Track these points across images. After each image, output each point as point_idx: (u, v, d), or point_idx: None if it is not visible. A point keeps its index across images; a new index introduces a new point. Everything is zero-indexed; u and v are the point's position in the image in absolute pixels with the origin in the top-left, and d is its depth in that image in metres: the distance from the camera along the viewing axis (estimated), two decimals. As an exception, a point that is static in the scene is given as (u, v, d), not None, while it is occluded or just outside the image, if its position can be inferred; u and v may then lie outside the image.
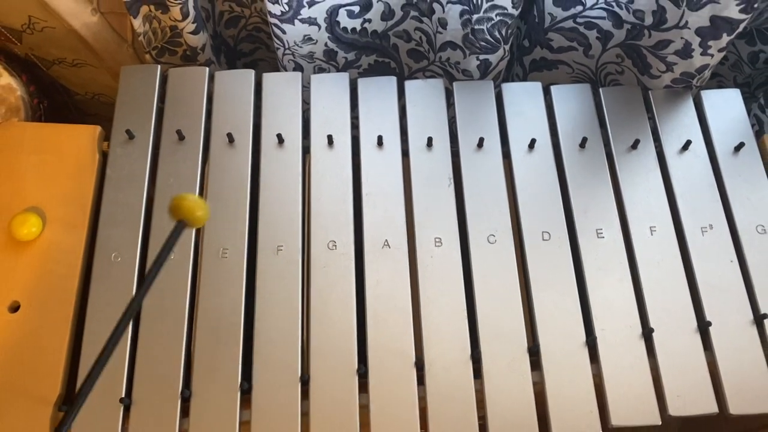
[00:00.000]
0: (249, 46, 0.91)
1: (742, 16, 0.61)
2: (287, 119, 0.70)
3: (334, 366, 0.59)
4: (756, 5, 0.59)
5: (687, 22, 0.63)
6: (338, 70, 0.82)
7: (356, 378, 0.59)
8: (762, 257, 0.63)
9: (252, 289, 0.62)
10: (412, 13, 0.75)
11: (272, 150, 0.69)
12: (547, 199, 0.66)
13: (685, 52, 0.66)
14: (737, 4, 0.59)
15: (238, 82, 0.72)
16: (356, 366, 0.59)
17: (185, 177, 0.67)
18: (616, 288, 0.62)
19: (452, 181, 0.67)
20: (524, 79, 0.84)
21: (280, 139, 0.69)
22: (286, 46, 0.76)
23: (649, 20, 0.67)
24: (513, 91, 0.72)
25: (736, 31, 0.63)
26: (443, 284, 0.62)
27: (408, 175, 0.68)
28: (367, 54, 0.80)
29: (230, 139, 0.68)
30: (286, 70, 0.80)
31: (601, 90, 0.71)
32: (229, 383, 0.58)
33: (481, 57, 0.74)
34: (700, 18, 0.62)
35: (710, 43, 0.64)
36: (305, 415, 0.58)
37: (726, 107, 0.71)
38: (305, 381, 0.58)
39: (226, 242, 0.64)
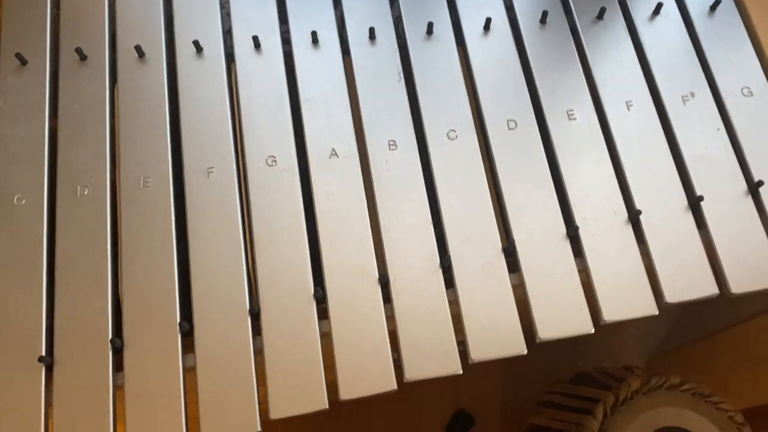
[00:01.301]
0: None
1: None
2: (204, 24, 0.61)
3: (287, 293, 0.51)
4: None
5: None
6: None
7: (314, 304, 0.51)
8: (750, 121, 0.57)
9: (183, 219, 0.54)
10: None
11: (190, 61, 0.59)
12: (509, 84, 0.59)
13: None
14: None
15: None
16: (312, 290, 0.51)
17: (91, 102, 0.58)
18: (595, 172, 0.55)
19: (402, 75, 0.59)
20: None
21: (198, 48, 0.59)
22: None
23: None
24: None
25: None
26: (402, 190, 0.55)
27: (351, 74, 0.59)
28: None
29: (139, 53, 0.59)
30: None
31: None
32: (167, 326, 0.50)
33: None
34: None
35: None
36: (259, 352, 0.50)
37: (697, -37, 0.63)
38: (255, 314, 0.51)
39: (147, 170, 0.55)
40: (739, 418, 0.73)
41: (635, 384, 0.72)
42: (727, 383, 1.01)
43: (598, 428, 0.72)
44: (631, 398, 0.72)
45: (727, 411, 0.73)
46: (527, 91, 0.58)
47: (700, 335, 0.99)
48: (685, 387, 0.73)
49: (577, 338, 0.51)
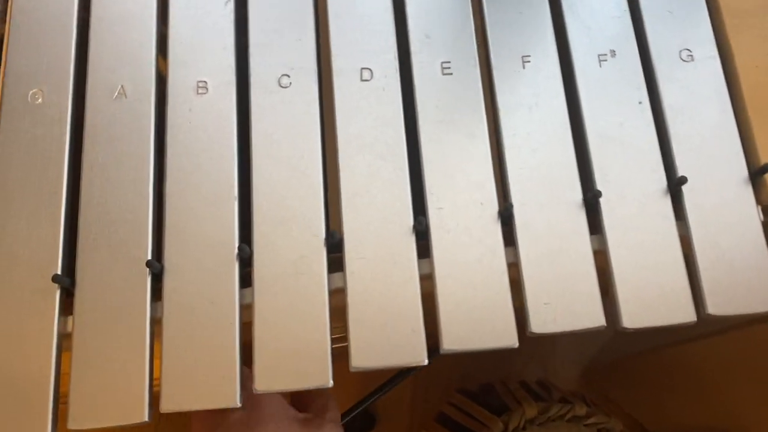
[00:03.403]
0: None
1: None
2: None
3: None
4: None
5: None
6: None
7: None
8: (685, 95, 0.42)
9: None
10: None
11: None
12: (373, 21, 0.44)
13: None
14: None
15: None
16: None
17: None
18: (467, 146, 0.41)
19: (234, -2, 0.44)
20: None
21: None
22: None
23: None
24: None
25: None
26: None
27: None
28: None
29: None
30: None
31: None
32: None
33: None
34: None
35: None
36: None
37: None
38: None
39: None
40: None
41: (531, 412, 0.59)
42: (664, 403, 0.89)
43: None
44: (523, 429, 0.59)
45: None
46: (394, 34, 0.43)
47: (642, 348, 0.86)
48: (591, 421, 0.60)
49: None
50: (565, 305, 0.37)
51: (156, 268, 0.38)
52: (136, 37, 0.43)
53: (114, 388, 0.36)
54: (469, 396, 0.71)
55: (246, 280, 0.39)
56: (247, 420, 0.41)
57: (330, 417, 0.44)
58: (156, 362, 0.37)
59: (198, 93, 0.42)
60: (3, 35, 0.43)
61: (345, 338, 0.37)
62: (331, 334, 0.37)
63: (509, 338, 0.37)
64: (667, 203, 0.40)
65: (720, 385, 0.74)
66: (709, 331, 0.69)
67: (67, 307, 0.38)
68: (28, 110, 0.41)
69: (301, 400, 0.46)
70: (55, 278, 0.37)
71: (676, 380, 0.81)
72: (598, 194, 0.39)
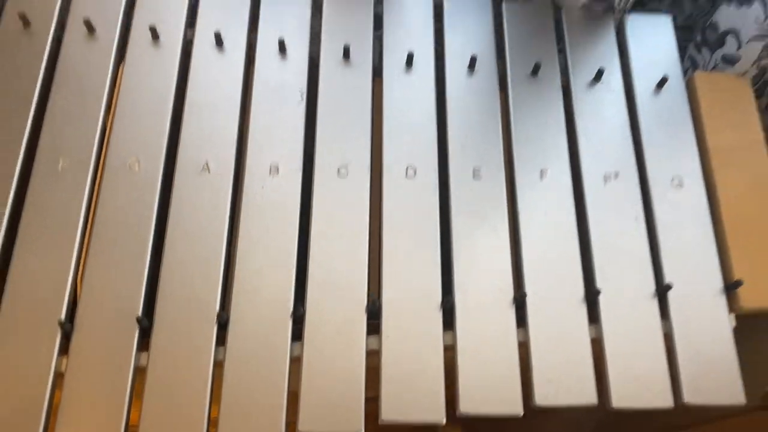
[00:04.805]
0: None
1: None
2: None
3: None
4: None
5: None
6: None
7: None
8: (674, 215, 0.50)
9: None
10: None
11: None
12: (421, 128, 0.53)
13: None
14: None
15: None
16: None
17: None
18: (489, 240, 0.49)
19: (304, 96, 0.53)
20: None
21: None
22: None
23: None
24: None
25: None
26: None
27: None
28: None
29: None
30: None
31: (503, 2, 0.58)
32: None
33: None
34: None
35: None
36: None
37: (653, 35, 0.58)
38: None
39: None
40: None
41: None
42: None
43: None
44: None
45: None
46: (436, 141, 0.52)
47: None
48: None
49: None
50: (565, 383, 0.44)
51: (222, 318, 0.45)
52: (221, 122, 0.51)
53: (179, 413, 0.42)
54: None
55: (297, 334, 0.46)
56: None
57: None
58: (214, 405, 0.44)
59: (270, 174, 0.50)
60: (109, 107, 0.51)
61: (376, 396, 0.44)
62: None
63: (516, 407, 0.44)
64: (654, 304, 0.47)
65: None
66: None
67: (143, 344, 0.45)
68: (126, 176, 0.49)
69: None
70: (138, 319, 0.44)
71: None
72: (598, 291, 0.47)
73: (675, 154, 0.53)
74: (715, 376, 0.45)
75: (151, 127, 0.51)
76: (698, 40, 0.62)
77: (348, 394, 0.44)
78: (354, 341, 0.45)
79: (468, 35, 0.56)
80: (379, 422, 0.43)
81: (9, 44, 0.52)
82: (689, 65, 0.64)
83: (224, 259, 0.47)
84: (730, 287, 0.48)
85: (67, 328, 0.44)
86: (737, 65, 0.58)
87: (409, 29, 0.56)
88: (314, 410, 0.43)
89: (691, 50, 0.63)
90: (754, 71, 0.60)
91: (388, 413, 0.43)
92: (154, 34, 0.53)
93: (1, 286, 0.45)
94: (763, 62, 0.60)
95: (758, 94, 0.68)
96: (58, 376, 0.44)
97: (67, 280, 0.45)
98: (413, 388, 0.44)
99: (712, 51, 0.60)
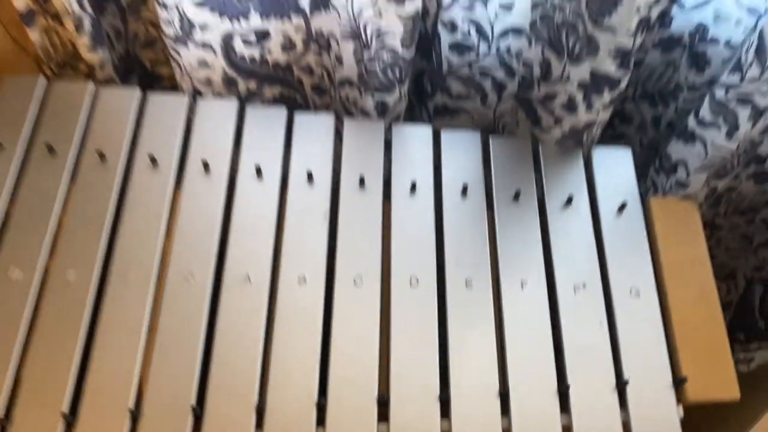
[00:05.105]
0: (167, 71, 0.90)
1: (620, 73, 0.60)
2: (165, 141, 0.68)
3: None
4: (631, 64, 0.59)
5: (569, 76, 0.63)
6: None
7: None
8: (631, 321, 0.61)
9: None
10: (313, 46, 0.73)
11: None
12: (422, 244, 0.64)
13: (570, 107, 0.65)
14: (614, 60, 0.59)
15: (122, 99, 0.70)
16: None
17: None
18: (478, 344, 0.59)
19: (327, 217, 0.65)
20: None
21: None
22: (183, 71, 0.75)
23: (537, 72, 0.67)
24: (403, 133, 0.70)
25: (618, 88, 0.62)
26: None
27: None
28: (270, 84, 0.79)
29: (102, 157, 0.66)
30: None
31: (490, 138, 0.70)
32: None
33: (377, 97, 0.72)
34: (580, 72, 0.61)
35: (594, 98, 0.63)
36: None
37: (615, 166, 0.70)
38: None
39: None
40: None
41: None
42: None
43: None
44: None
45: None
46: (434, 253, 0.63)
47: None
48: None
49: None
50: (541, 464, 0.54)
51: (260, 406, 0.55)
52: (260, 240, 0.63)
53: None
54: None
55: (320, 420, 0.55)
56: None
57: None
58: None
59: (299, 284, 0.61)
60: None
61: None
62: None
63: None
64: (615, 396, 0.57)
65: None
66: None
67: (196, 429, 0.55)
68: (183, 286, 0.60)
69: None
70: (192, 408, 0.55)
71: None
72: (568, 386, 0.57)
73: (633, 268, 0.64)
74: (666, 460, 0.55)
75: (203, 245, 0.62)
76: (657, 165, 0.74)
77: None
78: (367, 427, 0.55)
79: (461, 166, 0.68)
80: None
81: (88, 175, 0.65)
82: (650, 185, 0.75)
83: (261, 357, 0.58)
84: (678, 382, 0.58)
85: (135, 414, 0.54)
86: (688, 189, 0.70)
87: (413, 161, 0.68)
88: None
89: (652, 172, 0.75)
90: (705, 192, 0.72)
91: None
92: (206, 167, 0.66)
93: (81, 379, 0.56)
94: (712, 183, 0.72)
95: (711, 206, 0.80)
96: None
97: (134, 373, 0.56)
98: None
99: (668, 176, 0.72)
